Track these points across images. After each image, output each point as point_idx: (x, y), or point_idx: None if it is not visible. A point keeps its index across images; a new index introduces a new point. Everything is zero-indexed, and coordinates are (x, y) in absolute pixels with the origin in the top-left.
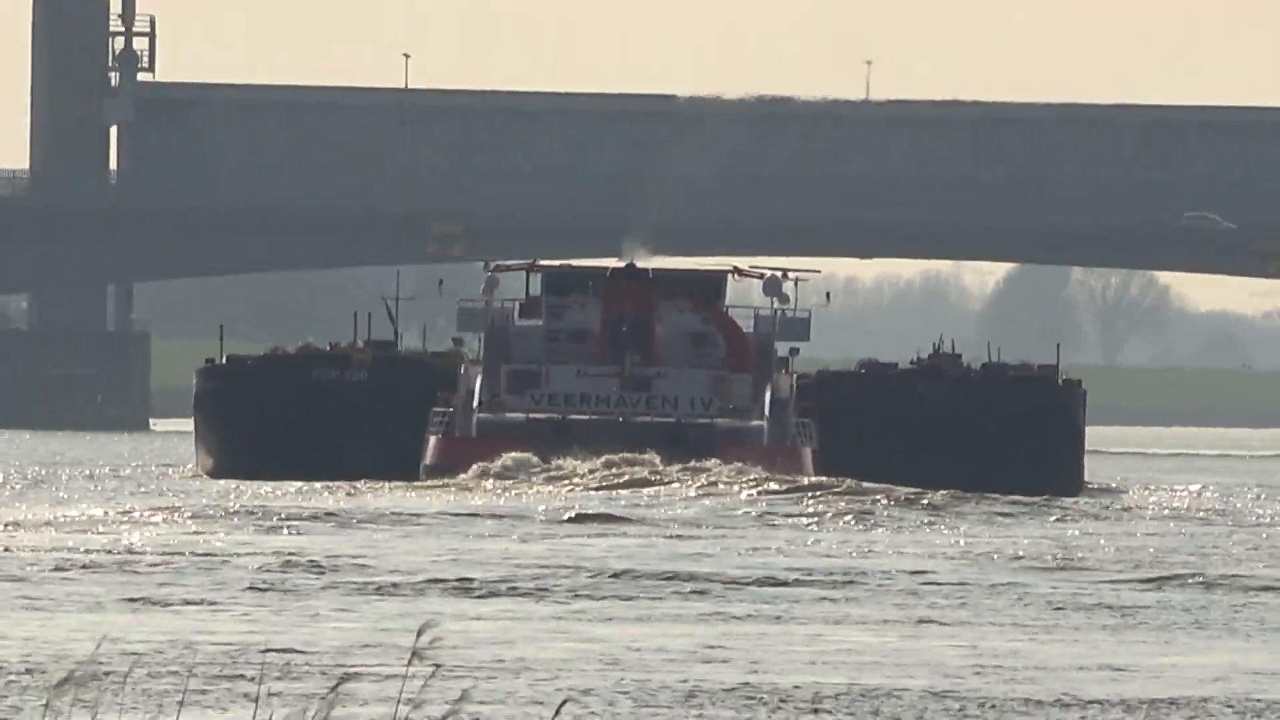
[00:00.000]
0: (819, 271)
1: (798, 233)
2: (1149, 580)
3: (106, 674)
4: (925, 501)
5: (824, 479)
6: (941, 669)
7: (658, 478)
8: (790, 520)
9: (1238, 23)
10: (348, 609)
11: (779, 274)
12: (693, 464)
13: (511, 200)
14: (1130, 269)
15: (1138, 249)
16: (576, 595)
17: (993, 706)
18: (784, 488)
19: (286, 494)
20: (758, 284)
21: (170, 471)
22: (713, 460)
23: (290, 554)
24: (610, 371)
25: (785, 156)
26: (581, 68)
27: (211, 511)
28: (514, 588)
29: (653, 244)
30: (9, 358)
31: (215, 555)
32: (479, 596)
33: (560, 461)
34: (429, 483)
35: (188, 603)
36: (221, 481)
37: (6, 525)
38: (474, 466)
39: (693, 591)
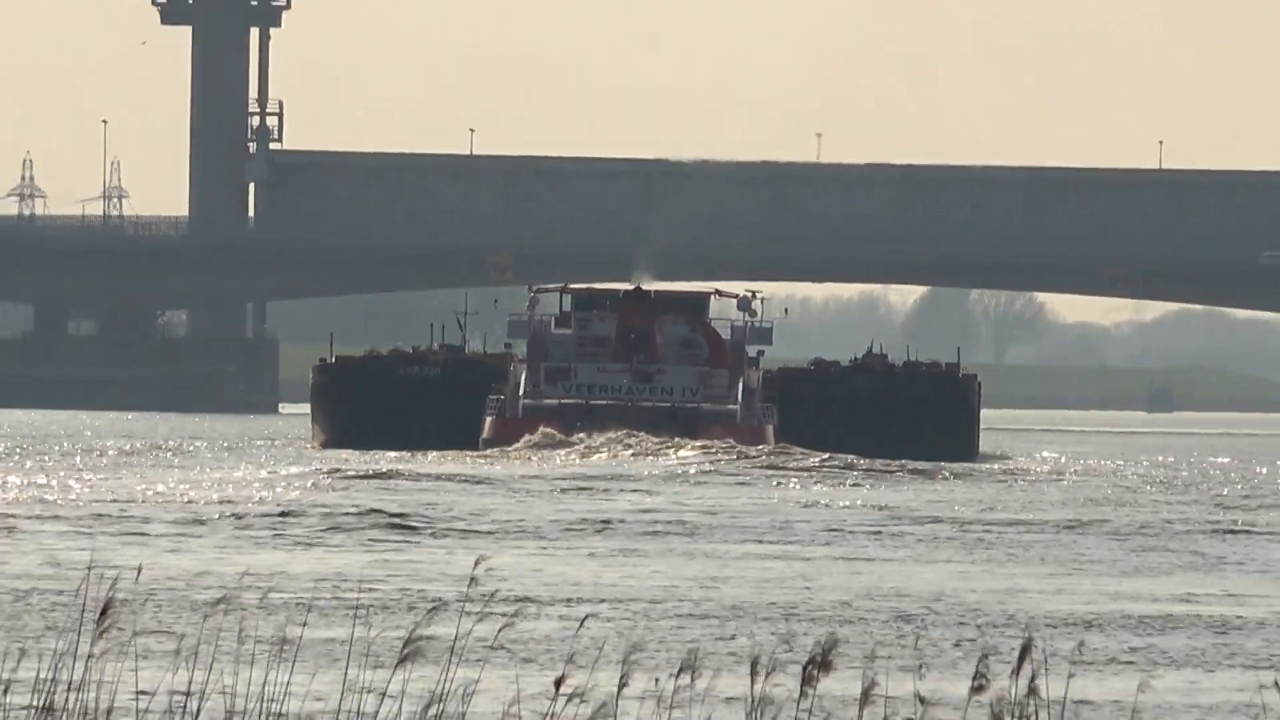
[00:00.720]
0: (776, 293)
1: (764, 263)
2: (1020, 521)
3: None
4: (862, 465)
5: (782, 447)
6: (850, 590)
7: (658, 447)
8: (756, 477)
9: (1091, 96)
10: (441, 548)
11: (749, 294)
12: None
13: (549, 239)
14: (1015, 290)
15: (1021, 275)
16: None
17: (897, 618)
18: (754, 454)
19: (380, 460)
20: (733, 302)
21: (295, 445)
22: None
23: (377, 509)
24: (623, 368)
25: (756, 205)
26: (602, 133)
27: (324, 475)
28: (539, 534)
29: (654, 272)
30: (174, 358)
31: (328, 507)
32: (520, 541)
33: (584, 436)
34: (486, 453)
35: (302, 545)
36: (331, 451)
37: (186, 483)
38: (521, 439)
39: (680, 535)
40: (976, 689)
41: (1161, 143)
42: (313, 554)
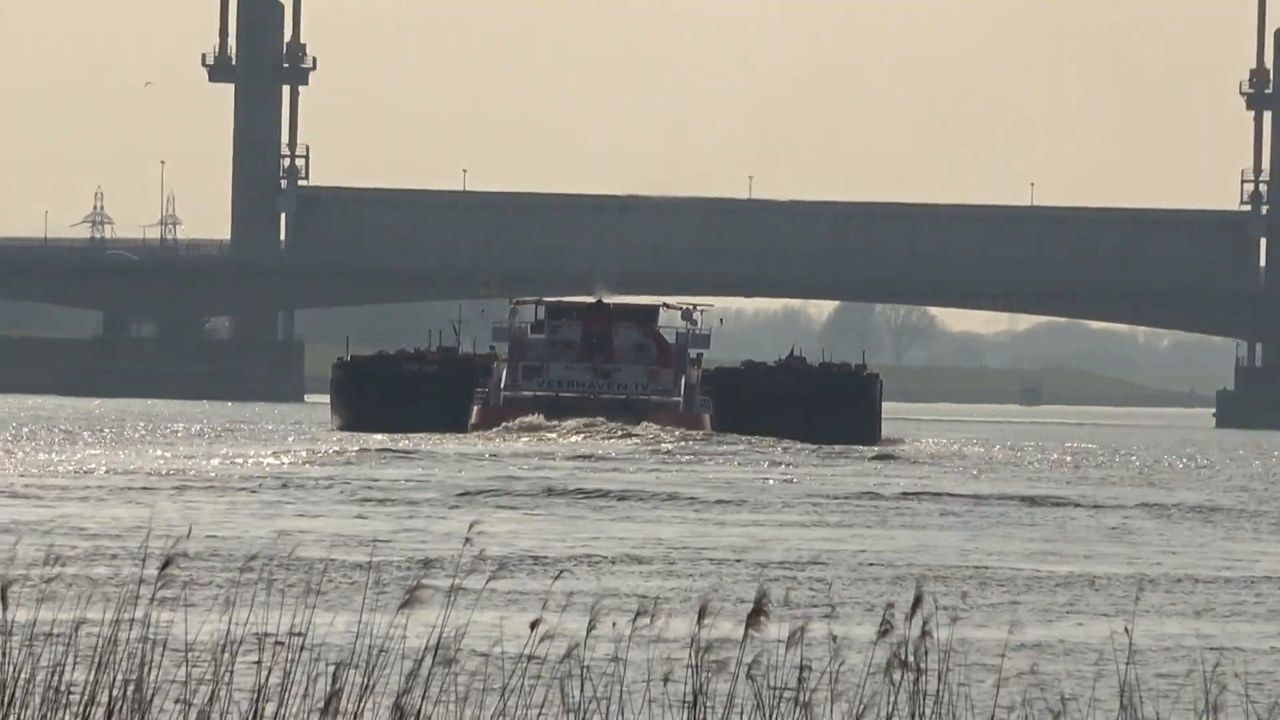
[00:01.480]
0: (713, 306)
1: (704, 281)
2: (911, 494)
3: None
4: (781, 447)
5: (716, 433)
6: (780, 548)
7: (614, 432)
8: (693, 456)
9: (972, 142)
10: (433, 515)
11: (691, 307)
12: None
13: (528, 260)
14: (911, 304)
15: (916, 292)
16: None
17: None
18: (693, 437)
19: (386, 440)
20: (678, 313)
21: (318, 427)
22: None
23: (380, 480)
24: (586, 367)
25: (698, 233)
26: (572, 168)
27: (345, 451)
28: (519, 499)
29: (613, 288)
30: (218, 358)
31: (341, 479)
32: (505, 506)
33: (555, 422)
34: (472, 435)
35: (318, 516)
36: (347, 433)
37: (228, 458)
38: (501, 425)
39: (625, 501)
40: (882, 633)
41: (1033, 184)
42: (349, 512)
